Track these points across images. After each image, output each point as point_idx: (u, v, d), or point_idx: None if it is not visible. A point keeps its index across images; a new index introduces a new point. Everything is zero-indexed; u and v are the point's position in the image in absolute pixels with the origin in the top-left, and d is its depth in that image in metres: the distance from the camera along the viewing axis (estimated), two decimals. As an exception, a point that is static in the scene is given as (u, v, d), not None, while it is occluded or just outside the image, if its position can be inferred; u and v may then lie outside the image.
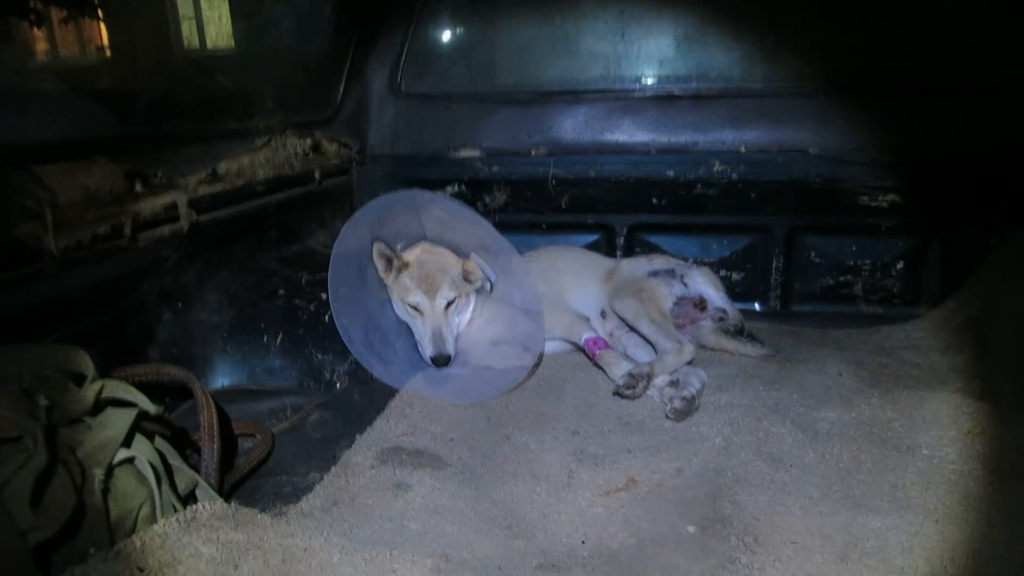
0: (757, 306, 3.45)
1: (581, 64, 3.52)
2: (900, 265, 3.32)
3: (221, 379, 2.52)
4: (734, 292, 3.25)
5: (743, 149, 3.30)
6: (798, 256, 3.40)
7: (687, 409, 2.37)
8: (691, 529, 1.78)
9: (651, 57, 3.46)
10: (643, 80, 3.47)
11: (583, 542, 1.74)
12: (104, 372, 1.60)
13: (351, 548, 1.53)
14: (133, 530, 1.40)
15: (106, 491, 1.37)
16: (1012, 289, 2.86)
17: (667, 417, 2.38)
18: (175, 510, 1.49)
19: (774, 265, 3.41)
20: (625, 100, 3.44)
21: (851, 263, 3.36)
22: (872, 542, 1.69)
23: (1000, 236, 3.08)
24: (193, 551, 1.37)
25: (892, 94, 3.22)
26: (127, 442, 1.45)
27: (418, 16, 3.54)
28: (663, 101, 3.40)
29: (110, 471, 1.39)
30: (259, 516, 1.56)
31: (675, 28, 3.42)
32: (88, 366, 1.54)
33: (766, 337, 3.00)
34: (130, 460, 1.44)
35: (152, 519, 1.44)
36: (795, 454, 2.10)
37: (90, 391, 1.47)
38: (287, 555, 1.45)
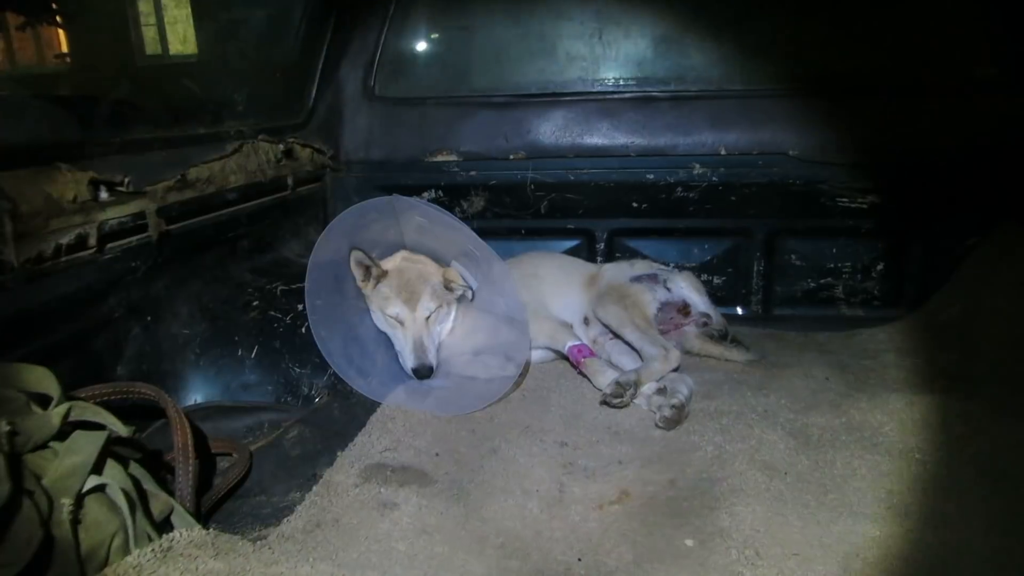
0: (739, 310, 3.43)
1: (558, 66, 3.47)
2: (880, 267, 3.33)
3: (194, 395, 2.42)
4: (716, 296, 3.22)
5: (723, 151, 3.28)
6: (779, 259, 3.39)
7: (677, 417, 2.32)
8: (689, 543, 1.72)
9: (629, 59, 3.42)
10: (621, 82, 3.43)
11: (579, 559, 1.68)
12: (70, 391, 1.51)
13: (339, 575, 1.45)
14: (106, 562, 1.31)
15: (75, 522, 1.27)
16: (993, 289, 2.87)
17: (657, 426, 2.33)
18: (150, 539, 1.40)
19: (755, 268, 3.40)
20: (603, 102, 3.40)
21: (831, 265, 3.36)
22: (873, 551, 1.66)
23: (979, 236, 3.10)
24: (170, 584, 1.29)
25: (870, 95, 3.23)
26: (97, 468, 1.35)
27: (391, 18, 3.46)
28: (642, 103, 3.37)
29: (79, 500, 1.29)
30: (240, 543, 1.48)
31: (653, 29, 3.40)
32: (53, 386, 1.44)
33: (749, 341, 2.97)
34: (101, 487, 1.34)
35: (125, 550, 1.35)
36: (789, 461, 2.06)
37: (56, 414, 1.37)
38: (271, 585, 1.36)
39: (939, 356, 2.79)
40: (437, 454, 2.16)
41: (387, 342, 2.66)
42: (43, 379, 1.44)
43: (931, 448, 2.10)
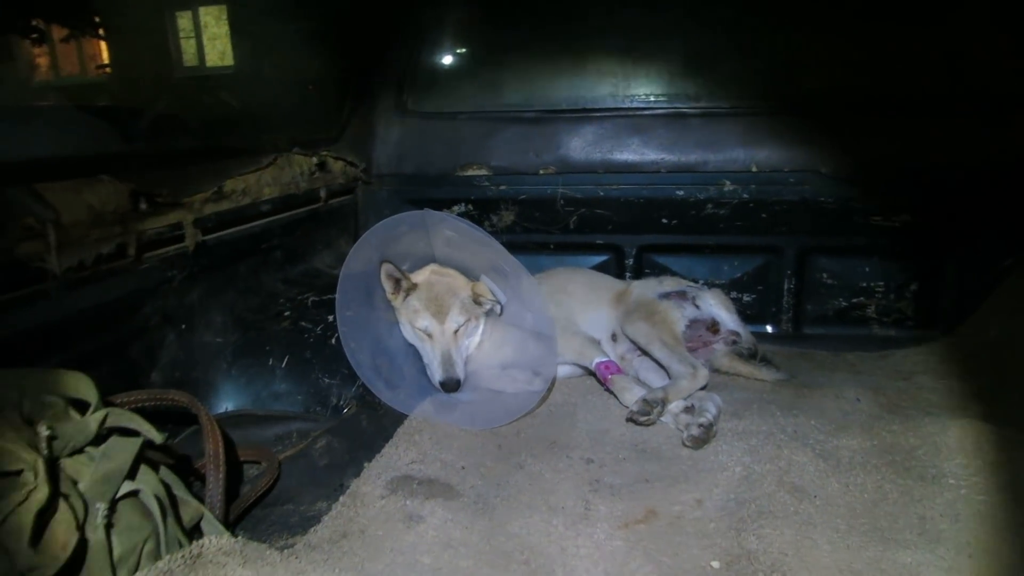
0: (769, 328, 3.40)
1: (590, 82, 3.49)
2: (914, 286, 3.28)
3: (225, 404, 2.45)
4: (745, 314, 3.20)
5: (754, 168, 3.27)
6: (810, 277, 3.36)
7: (705, 436, 2.30)
8: (715, 565, 1.71)
9: (660, 75, 3.43)
10: (652, 98, 3.44)
11: (604, 578, 1.67)
12: (106, 397, 1.54)
13: (365, 586, 1.46)
14: (137, 567, 1.33)
15: (109, 526, 1.30)
16: (1030, 312, 2.82)
17: (684, 445, 2.31)
18: (180, 545, 1.42)
19: (786, 286, 3.37)
20: (634, 118, 3.40)
21: (864, 284, 3.32)
22: (905, 579, 1.63)
23: (1015, 257, 3.04)
24: (200, 590, 1.30)
25: (904, 113, 3.19)
26: (131, 474, 1.38)
27: (424, 34, 3.51)
28: (673, 119, 3.37)
29: (113, 505, 1.32)
30: (268, 551, 1.49)
31: (684, 46, 3.40)
32: (91, 392, 1.47)
33: (779, 360, 2.94)
34: (134, 493, 1.37)
35: (156, 555, 1.37)
36: (818, 484, 2.03)
37: (93, 420, 1.40)
38: (298, 594, 1.38)
39: (974, 379, 2.74)
40: (463, 467, 2.17)
41: (415, 355, 2.67)
42: (82, 385, 1.47)
43: (965, 474, 2.06)
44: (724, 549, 1.75)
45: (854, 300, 3.33)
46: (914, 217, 3.17)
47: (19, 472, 1.18)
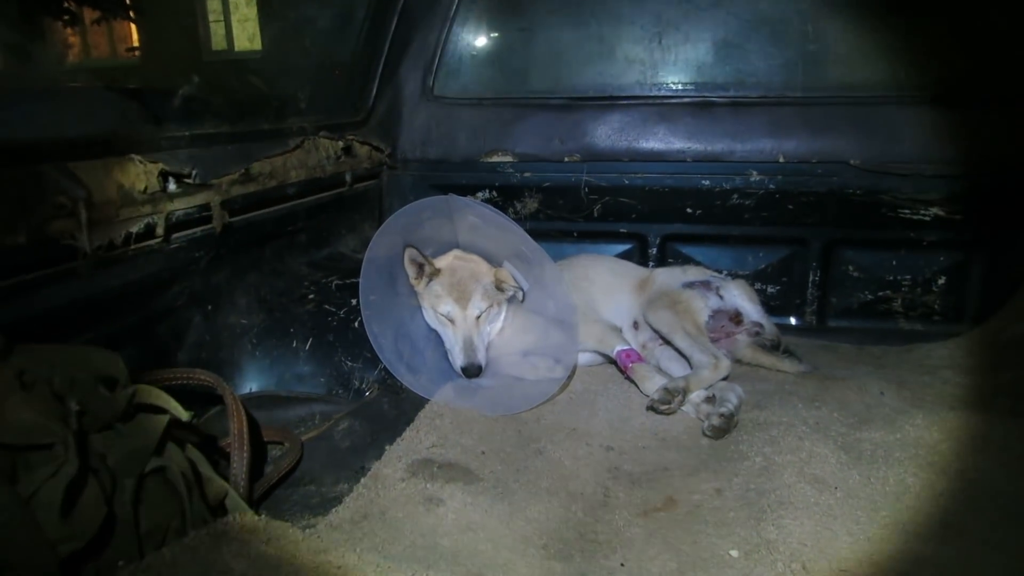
0: (793, 320, 3.38)
1: (617, 69, 3.46)
2: (942, 281, 3.23)
3: (249, 384, 2.48)
4: (769, 306, 3.17)
5: (781, 159, 3.23)
6: (836, 270, 3.32)
7: (725, 426, 2.30)
8: (734, 553, 1.71)
9: (688, 63, 3.39)
10: (680, 87, 3.40)
11: (622, 564, 1.68)
12: (134, 374, 1.56)
13: (385, 566, 1.48)
14: (163, 542, 1.36)
15: (137, 502, 1.32)
16: (1060, 308, 2.77)
17: (704, 434, 2.31)
18: (205, 522, 1.45)
19: (811, 279, 3.34)
20: (661, 107, 3.37)
21: (890, 278, 3.28)
22: (927, 572, 1.61)
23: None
24: (223, 566, 1.33)
25: (937, 104, 3.14)
26: (158, 450, 1.40)
27: (452, 19, 3.50)
28: (700, 108, 3.33)
29: (141, 481, 1.35)
30: (290, 530, 1.51)
31: (713, 33, 3.36)
32: (120, 370, 1.50)
33: (802, 352, 2.92)
34: (161, 470, 1.39)
35: (182, 531, 1.40)
36: (839, 476, 2.01)
37: (122, 396, 1.43)
38: (320, 572, 1.40)
39: (1001, 375, 2.70)
40: (483, 452, 2.18)
41: (437, 339, 2.69)
42: (111, 362, 1.49)
43: (989, 469, 2.04)
44: (743, 538, 1.75)
45: (880, 293, 3.30)
46: (944, 211, 3.12)
47: (51, 445, 1.21)
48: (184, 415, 1.51)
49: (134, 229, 1.97)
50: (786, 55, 3.30)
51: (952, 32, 3.14)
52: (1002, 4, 3.09)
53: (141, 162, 2.01)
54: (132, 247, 1.98)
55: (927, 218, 3.14)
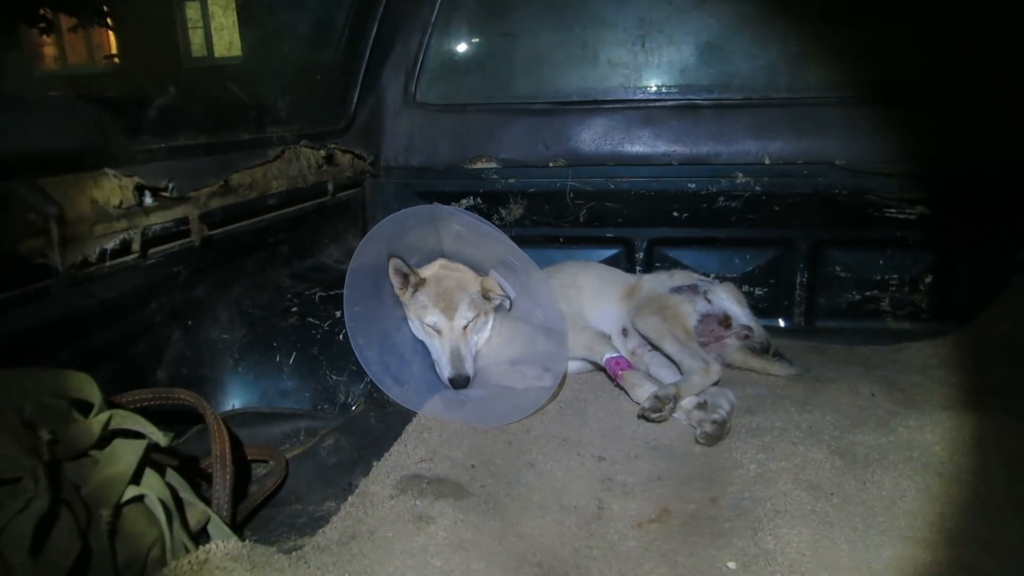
0: (781, 322, 3.37)
1: (600, 73, 3.44)
2: (928, 279, 3.24)
3: (232, 401, 2.42)
4: (757, 308, 3.17)
5: (767, 160, 3.23)
6: (823, 271, 3.32)
7: (718, 433, 2.27)
8: (732, 565, 1.67)
9: (672, 66, 3.38)
10: (664, 90, 3.39)
11: (618, 580, 1.64)
12: (110, 395, 1.51)
13: (374, 590, 1.43)
14: (142, 574, 1.30)
15: (113, 533, 1.27)
16: (1047, 305, 2.77)
17: (697, 442, 2.28)
18: (187, 550, 1.39)
19: (798, 280, 3.33)
20: (645, 110, 3.36)
21: (878, 277, 3.28)
22: (926, 580, 1.59)
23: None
24: (206, 597, 1.28)
25: (921, 104, 3.15)
26: (136, 478, 1.35)
27: (433, 24, 3.46)
28: (684, 111, 3.32)
29: (118, 511, 1.29)
30: (275, 556, 1.47)
31: (697, 36, 3.35)
32: (95, 393, 1.44)
33: (792, 355, 2.90)
34: (139, 498, 1.34)
35: (162, 561, 1.34)
36: (835, 482, 1.99)
37: (96, 422, 1.37)
38: (307, 600, 1.35)
39: (991, 373, 2.70)
40: (473, 466, 2.13)
41: (424, 351, 2.64)
42: (85, 386, 1.44)
43: (984, 469, 2.02)
44: (740, 549, 1.72)
45: (868, 293, 3.29)
46: (930, 210, 3.12)
47: (18, 479, 1.15)
48: (163, 440, 1.45)
49: (109, 245, 1.92)
50: (769, 56, 3.29)
51: (935, 32, 3.14)
52: (984, 5, 3.09)
53: (115, 176, 1.96)
54: (107, 264, 1.93)
55: (913, 217, 3.14)
